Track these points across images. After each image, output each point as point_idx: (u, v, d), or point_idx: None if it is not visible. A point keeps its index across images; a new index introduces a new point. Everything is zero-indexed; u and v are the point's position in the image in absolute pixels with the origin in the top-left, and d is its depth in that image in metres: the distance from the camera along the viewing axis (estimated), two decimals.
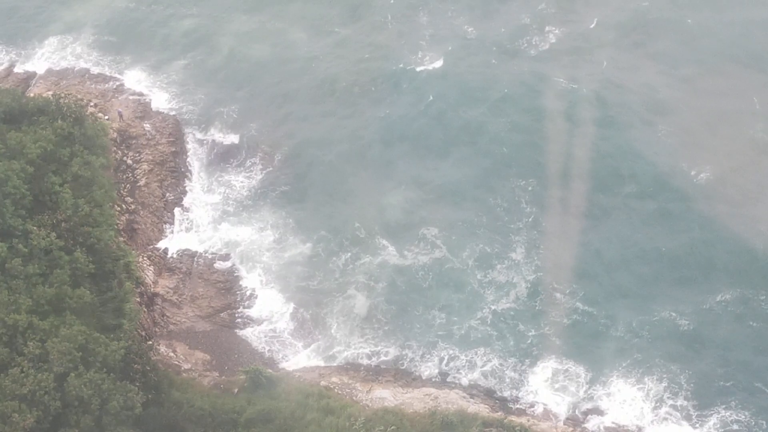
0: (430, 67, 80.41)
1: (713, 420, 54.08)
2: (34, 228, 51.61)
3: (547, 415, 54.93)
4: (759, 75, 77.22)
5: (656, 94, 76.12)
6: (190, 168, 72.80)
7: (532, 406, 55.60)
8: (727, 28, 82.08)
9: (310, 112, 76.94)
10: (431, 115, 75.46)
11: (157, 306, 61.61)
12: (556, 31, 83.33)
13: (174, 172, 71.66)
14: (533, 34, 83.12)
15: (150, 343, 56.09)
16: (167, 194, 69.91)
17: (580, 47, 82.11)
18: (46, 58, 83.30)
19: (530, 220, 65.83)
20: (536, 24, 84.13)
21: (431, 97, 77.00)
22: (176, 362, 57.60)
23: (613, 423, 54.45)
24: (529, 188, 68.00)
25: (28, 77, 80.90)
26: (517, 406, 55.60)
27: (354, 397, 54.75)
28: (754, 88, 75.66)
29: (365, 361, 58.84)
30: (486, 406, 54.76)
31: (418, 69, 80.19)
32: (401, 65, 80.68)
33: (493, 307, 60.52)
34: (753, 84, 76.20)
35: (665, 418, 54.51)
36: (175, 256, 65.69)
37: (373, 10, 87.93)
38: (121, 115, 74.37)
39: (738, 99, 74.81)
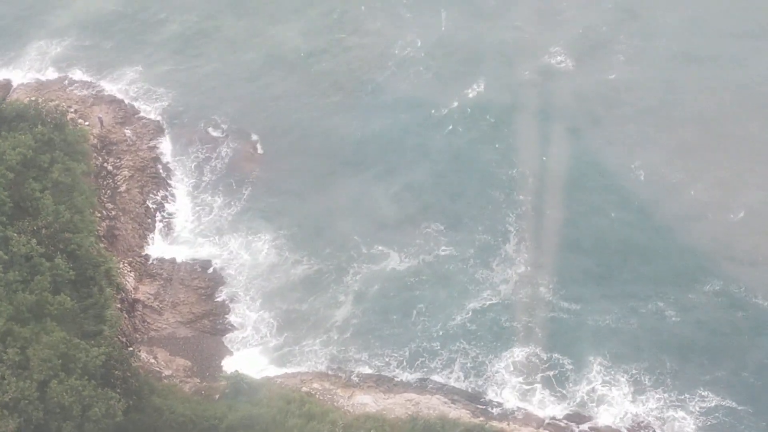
0: (420, 66, 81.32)
1: (700, 408, 54.83)
2: (15, 234, 51.33)
3: (529, 419, 55.12)
4: None
5: (646, 94, 77.57)
6: (171, 174, 72.58)
7: (513, 410, 55.69)
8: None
9: (299, 116, 76.83)
10: (423, 114, 76.58)
11: (138, 312, 61.39)
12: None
13: (155, 178, 71.46)
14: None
15: (131, 349, 55.88)
16: (148, 200, 69.73)
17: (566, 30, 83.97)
18: (26, 63, 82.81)
19: (518, 219, 66.55)
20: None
21: (423, 96, 78.15)
22: (157, 368, 57.44)
23: (593, 426, 54.78)
24: (521, 182, 69.13)
25: (8, 82, 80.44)
26: (498, 410, 55.69)
27: (335, 403, 54.82)
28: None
29: (347, 367, 58.83)
30: (467, 411, 54.96)
31: (408, 68, 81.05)
32: (391, 64, 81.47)
33: (475, 309, 60.59)
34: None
35: (651, 415, 54.98)
36: (155, 262, 65.53)
37: (361, 6, 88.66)
38: (101, 121, 74.12)
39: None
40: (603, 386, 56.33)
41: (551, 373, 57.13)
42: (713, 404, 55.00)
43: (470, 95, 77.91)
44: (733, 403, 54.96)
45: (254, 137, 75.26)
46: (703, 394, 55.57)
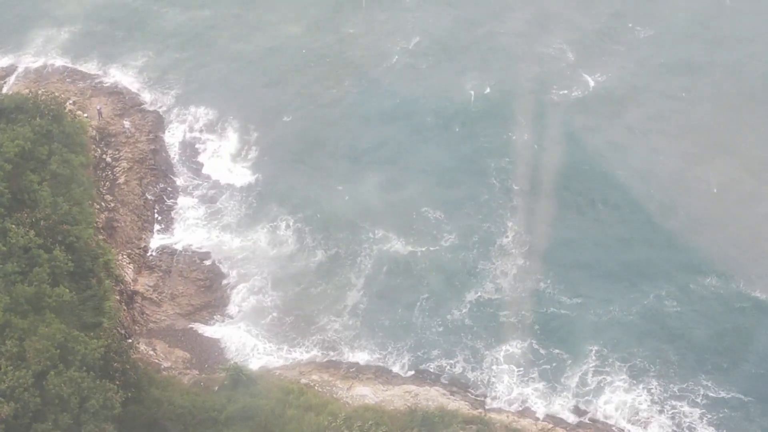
0: (419, 61, 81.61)
1: (703, 400, 54.92)
2: (13, 226, 51.26)
3: (527, 411, 55.19)
4: None
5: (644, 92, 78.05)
6: (170, 166, 72.51)
7: (511, 403, 55.76)
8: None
9: (301, 109, 77.02)
10: (422, 109, 76.73)
11: (137, 304, 61.37)
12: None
13: (154, 170, 71.41)
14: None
15: (130, 341, 55.89)
16: (147, 193, 69.66)
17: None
18: (25, 54, 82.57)
19: (515, 211, 66.85)
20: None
21: (420, 91, 78.26)
22: (156, 360, 57.47)
23: (592, 418, 54.87)
24: (517, 178, 69.46)
25: (6, 74, 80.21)
26: (497, 402, 55.76)
27: (334, 395, 54.84)
28: None
29: (346, 359, 58.84)
30: (466, 402, 54.98)
31: (406, 60, 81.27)
32: (391, 57, 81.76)
33: (475, 300, 60.82)
34: None
35: (652, 407, 54.98)
36: (154, 254, 65.51)
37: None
38: (100, 113, 74.01)
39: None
40: (603, 378, 56.35)
41: (550, 365, 57.15)
42: (718, 395, 55.06)
43: (469, 90, 78.03)
44: (738, 394, 55.05)
45: (255, 129, 75.25)
46: (706, 384, 55.65)
